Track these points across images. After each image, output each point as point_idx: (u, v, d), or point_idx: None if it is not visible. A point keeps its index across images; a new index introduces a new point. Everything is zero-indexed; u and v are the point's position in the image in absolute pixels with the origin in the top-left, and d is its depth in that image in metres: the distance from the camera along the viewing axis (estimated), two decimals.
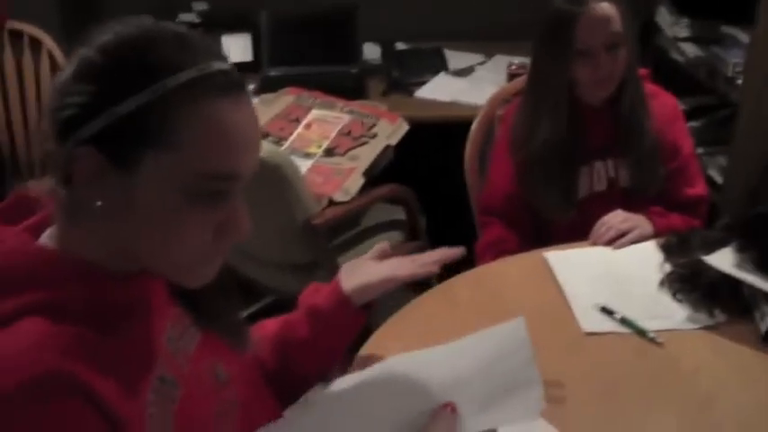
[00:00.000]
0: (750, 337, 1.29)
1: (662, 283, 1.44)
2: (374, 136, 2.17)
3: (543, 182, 1.72)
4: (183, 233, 0.79)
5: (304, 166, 2.12)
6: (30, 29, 2.67)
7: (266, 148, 1.86)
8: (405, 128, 2.17)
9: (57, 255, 0.80)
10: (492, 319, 1.06)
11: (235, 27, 2.75)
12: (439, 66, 2.75)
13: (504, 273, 1.56)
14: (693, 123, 2.40)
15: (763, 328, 1.29)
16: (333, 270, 1.30)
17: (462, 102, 2.52)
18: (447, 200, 2.22)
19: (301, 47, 2.67)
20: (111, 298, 0.80)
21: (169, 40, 0.78)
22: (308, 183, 2.02)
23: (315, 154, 2.19)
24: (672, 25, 2.62)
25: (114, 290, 0.81)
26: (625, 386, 1.21)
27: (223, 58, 0.80)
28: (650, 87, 1.76)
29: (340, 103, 2.32)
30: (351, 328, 1.16)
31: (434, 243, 1.53)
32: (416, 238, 2.27)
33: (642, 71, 1.73)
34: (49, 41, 2.69)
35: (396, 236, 2.23)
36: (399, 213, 2.28)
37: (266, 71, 2.62)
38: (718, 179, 2.37)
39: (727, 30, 2.41)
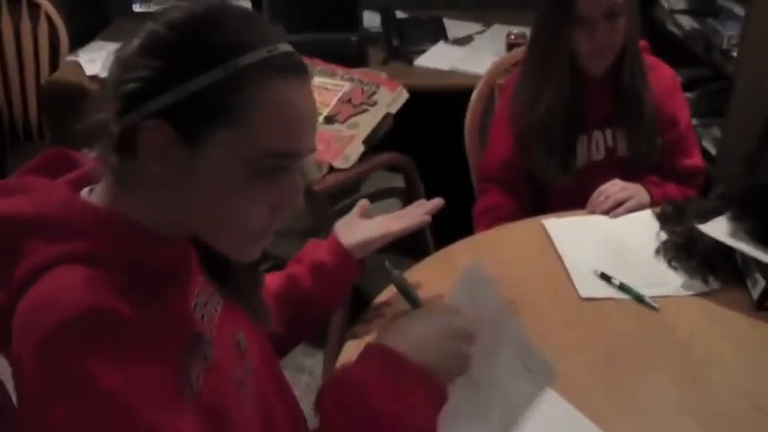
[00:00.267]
0: (743, 304, 1.32)
1: (658, 251, 1.47)
2: (374, 104, 2.17)
3: (543, 150, 1.73)
4: (243, 207, 0.81)
5: None
6: None
7: None
8: (405, 96, 2.17)
9: (104, 212, 0.82)
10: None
11: None
12: (438, 35, 2.75)
13: (502, 239, 1.58)
14: (688, 95, 2.40)
15: (755, 295, 1.32)
16: None
17: (461, 70, 2.52)
18: (445, 168, 2.24)
19: (302, 14, 2.67)
20: (151, 258, 0.82)
21: (238, 19, 0.79)
22: None
23: None
24: None
25: (156, 250, 0.83)
26: (621, 351, 1.24)
27: (285, 40, 0.82)
28: (649, 59, 1.77)
29: (340, 70, 2.31)
30: (349, 282, 1.27)
31: None
32: None
33: (642, 43, 1.75)
34: (47, 5, 2.68)
35: (395, 203, 2.25)
36: (399, 181, 2.29)
37: None
38: (713, 150, 2.40)
39: (724, 2, 2.41)
